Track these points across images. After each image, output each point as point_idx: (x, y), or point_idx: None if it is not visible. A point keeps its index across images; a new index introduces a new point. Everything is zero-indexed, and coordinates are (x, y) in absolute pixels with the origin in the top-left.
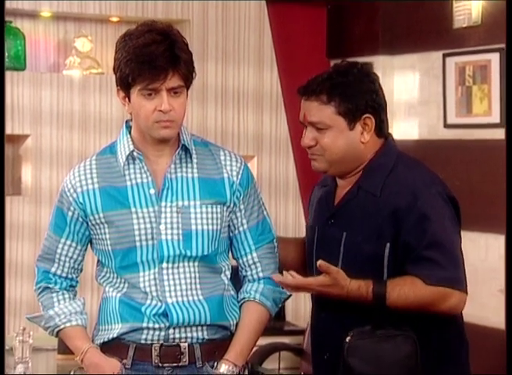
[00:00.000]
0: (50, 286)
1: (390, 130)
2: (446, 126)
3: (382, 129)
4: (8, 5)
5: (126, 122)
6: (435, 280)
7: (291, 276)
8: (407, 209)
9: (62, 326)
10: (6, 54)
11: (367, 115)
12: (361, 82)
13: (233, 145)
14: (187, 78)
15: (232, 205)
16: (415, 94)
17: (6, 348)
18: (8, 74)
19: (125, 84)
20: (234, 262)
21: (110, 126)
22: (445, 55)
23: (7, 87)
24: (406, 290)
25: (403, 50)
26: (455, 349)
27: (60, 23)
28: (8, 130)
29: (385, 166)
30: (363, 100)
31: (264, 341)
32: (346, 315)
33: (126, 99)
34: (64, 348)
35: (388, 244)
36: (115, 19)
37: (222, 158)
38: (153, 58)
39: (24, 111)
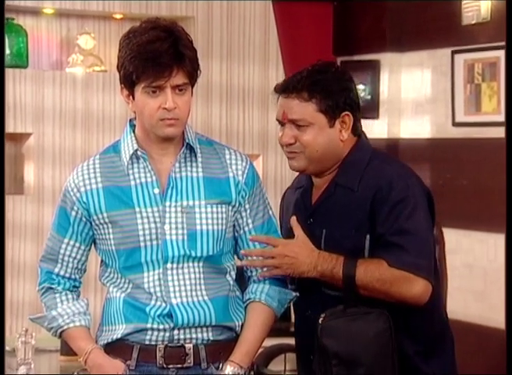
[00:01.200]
0: (53, 286)
1: (398, 129)
2: (455, 124)
3: (357, 127)
4: (10, 1)
5: (130, 120)
6: (399, 263)
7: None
8: (382, 199)
9: (65, 327)
10: (8, 51)
11: (346, 112)
12: (339, 80)
13: (238, 144)
14: (192, 75)
15: (237, 205)
16: (423, 92)
17: (8, 349)
18: (10, 72)
19: (129, 82)
20: (239, 263)
21: (113, 125)
22: (453, 52)
23: (9, 85)
24: (372, 267)
25: (411, 47)
26: (440, 342)
27: (63, 19)
28: (10, 129)
29: (361, 162)
30: (342, 97)
31: (269, 343)
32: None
33: (130, 97)
34: (67, 350)
35: (368, 236)
36: (118, 16)
37: (228, 157)
38: (157, 55)
39: (26, 109)
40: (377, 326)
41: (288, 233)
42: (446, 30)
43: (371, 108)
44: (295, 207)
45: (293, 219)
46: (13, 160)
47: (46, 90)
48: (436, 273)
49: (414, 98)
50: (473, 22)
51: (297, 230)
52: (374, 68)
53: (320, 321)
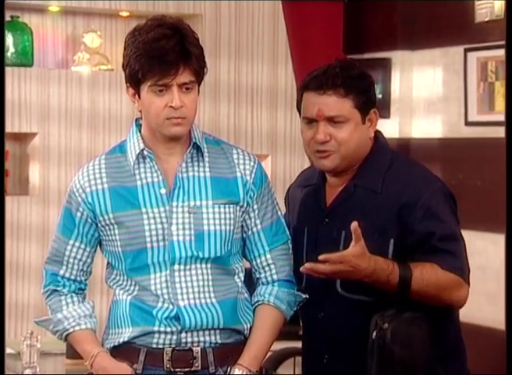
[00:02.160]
0: (58, 289)
1: (409, 128)
2: (468, 123)
3: (376, 125)
4: None
5: (136, 120)
6: (450, 267)
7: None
8: (412, 205)
9: (70, 330)
10: (13, 49)
11: (373, 109)
12: (366, 76)
13: (247, 144)
14: (198, 73)
15: (245, 205)
16: (435, 91)
17: (13, 352)
18: (15, 70)
19: (135, 81)
20: (247, 264)
21: (119, 125)
22: (466, 50)
23: (14, 84)
24: (428, 271)
25: (422, 45)
26: (454, 347)
27: (69, 17)
28: (15, 128)
29: (382, 163)
30: (371, 93)
31: (278, 346)
32: (353, 314)
33: (136, 96)
34: (73, 353)
35: (392, 241)
36: (125, 13)
37: (235, 156)
38: (163, 53)
39: (32, 108)
40: (426, 329)
41: (297, 233)
42: (459, 27)
43: (382, 107)
44: (305, 206)
45: (355, 226)
46: (18, 160)
47: (51, 89)
48: None
49: (425, 96)
50: (486, 19)
51: (360, 240)
52: (385, 66)
53: (386, 326)
